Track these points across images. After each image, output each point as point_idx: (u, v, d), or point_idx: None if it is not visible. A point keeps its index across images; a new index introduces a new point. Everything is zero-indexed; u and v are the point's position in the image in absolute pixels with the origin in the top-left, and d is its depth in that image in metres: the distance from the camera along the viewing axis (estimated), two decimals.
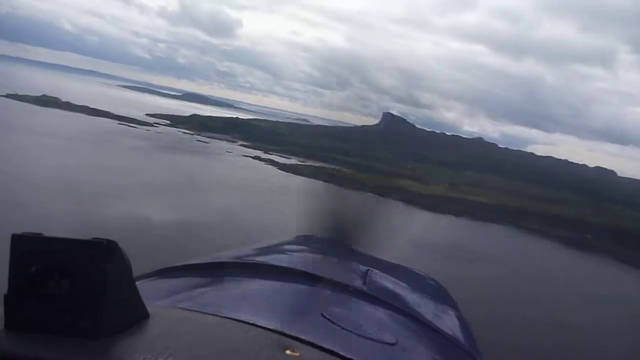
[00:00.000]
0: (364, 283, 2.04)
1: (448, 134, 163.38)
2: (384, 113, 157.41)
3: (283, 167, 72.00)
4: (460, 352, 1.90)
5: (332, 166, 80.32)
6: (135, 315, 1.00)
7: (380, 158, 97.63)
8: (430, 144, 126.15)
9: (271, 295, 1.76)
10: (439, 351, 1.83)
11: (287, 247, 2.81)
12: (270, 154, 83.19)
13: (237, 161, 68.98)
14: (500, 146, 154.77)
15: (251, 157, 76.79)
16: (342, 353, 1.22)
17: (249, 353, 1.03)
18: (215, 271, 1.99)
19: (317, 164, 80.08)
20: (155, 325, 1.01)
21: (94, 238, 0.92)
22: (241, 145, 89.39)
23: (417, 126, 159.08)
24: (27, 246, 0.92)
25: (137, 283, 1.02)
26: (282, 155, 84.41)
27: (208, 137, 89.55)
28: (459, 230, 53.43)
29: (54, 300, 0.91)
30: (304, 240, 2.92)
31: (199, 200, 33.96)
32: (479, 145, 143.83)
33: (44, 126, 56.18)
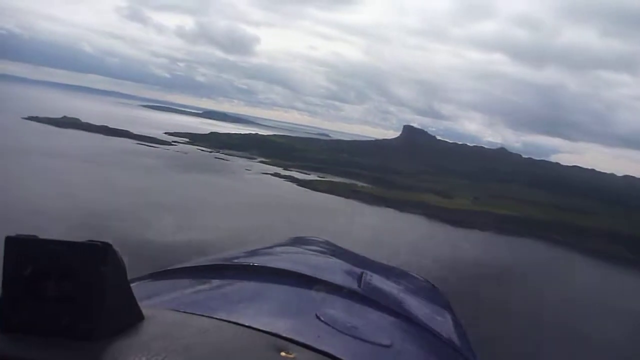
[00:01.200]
0: (359, 285, 2.01)
1: (470, 145, 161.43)
2: (404, 126, 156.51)
3: (303, 183, 70.96)
4: (455, 354, 1.87)
5: (353, 181, 79.37)
6: (130, 318, 1.01)
7: (401, 172, 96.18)
8: (452, 155, 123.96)
9: (266, 297, 1.72)
10: (433, 353, 1.82)
11: (282, 249, 2.74)
12: (290, 170, 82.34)
13: (255, 179, 68.13)
14: (524, 156, 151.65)
15: (270, 174, 75.95)
16: (337, 355, 1.22)
17: (243, 355, 1.05)
18: (210, 273, 1.93)
19: (337, 180, 78.99)
20: (150, 328, 1.02)
21: (89, 240, 0.94)
22: (260, 162, 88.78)
23: (438, 138, 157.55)
24: (21, 248, 0.92)
25: (132, 285, 1.02)
26: (301, 171, 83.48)
27: (227, 155, 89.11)
28: (485, 245, 51.50)
29: (49, 303, 0.91)
30: (299, 242, 2.91)
31: (211, 221, 33.03)
32: (502, 155, 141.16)
33: (59, 147, 56.18)
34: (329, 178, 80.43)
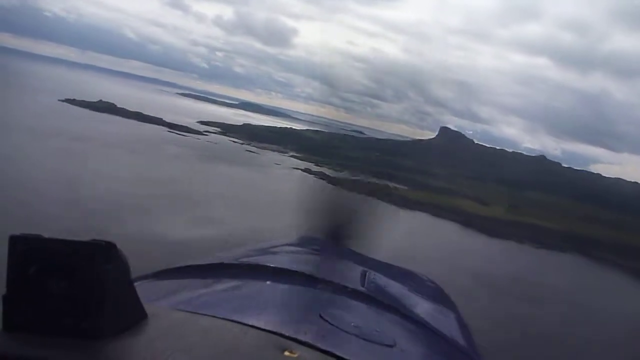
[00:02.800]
0: (363, 284, 2.03)
1: (509, 150, 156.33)
2: (440, 127, 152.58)
3: (332, 181, 68.88)
4: (460, 354, 1.88)
5: (385, 182, 76.91)
6: (133, 317, 1.01)
7: (436, 174, 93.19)
8: (489, 160, 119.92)
9: (270, 296, 1.76)
10: (437, 353, 1.83)
11: (286, 248, 2.74)
12: (321, 167, 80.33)
13: (284, 174, 66.30)
14: (564, 165, 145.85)
15: (301, 169, 74.10)
16: (340, 354, 1.24)
17: (247, 354, 1.06)
18: (213, 272, 1.96)
19: (369, 179, 76.43)
20: (153, 327, 1.02)
21: (93, 239, 0.94)
22: (292, 156, 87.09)
23: (476, 141, 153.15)
24: (25, 247, 0.93)
25: (135, 284, 1.03)
26: (333, 168, 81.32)
27: (258, 147, 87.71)
28: (522, 259, 48.55)
29: (53, 301, 0.91)
30: (303, 241, 2.89)
31: (226, 218, 31.29)
32: (542, 163, 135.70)
33: (87, 131, 55.38)
34: (361, 177, 77.81)
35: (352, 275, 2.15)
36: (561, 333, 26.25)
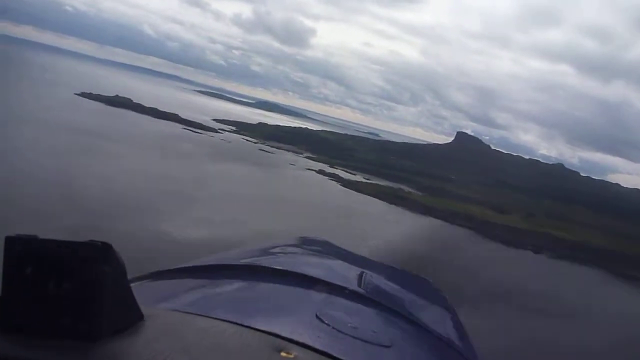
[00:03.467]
0: (360, 285, 2.04)
1: (526, 157, 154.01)
2: (457, 132, 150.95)
3: (347, 184, 67.80)
4: (457, 355, 1.90)
5: (400, 186, 75.77)
6: (130, 318, 1.01)
7: (451, 180, 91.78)
8: (506, 167, 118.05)
9: (266, 297, 1.78)
10: (434, 354, 1.85)
11: (283, 249, 2.74)
12: (336, 168, 79.52)
13: (298, 175, 65.30)
14: (582, 174, 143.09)
15: (315, 170, 73.15)
16: (337, 355, 1.25)
17: (244, 355, 1.06)
18: (210, 273, 1.99)
19: (383, 183, 75.57)
20: (150, 328, 1.03)
21: (89, 240, 0.94)
22: (306, 157, 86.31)
23: (492, 147, 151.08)
24: (21, 248, 0.93)
25: (132, 285, 1.03)
26: (347, 170, 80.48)
27: (273, 147, 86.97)
28: (539, 270, 46.98)
29: (49, 303, 0.91)
30: (300, 242, 2.91)
31: (232, 219, 30.33)
32: (560, 172, 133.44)
33: (98, 125, 55.07)
34: (375, 180, 77.03)
35: (349, 275, 2.12)
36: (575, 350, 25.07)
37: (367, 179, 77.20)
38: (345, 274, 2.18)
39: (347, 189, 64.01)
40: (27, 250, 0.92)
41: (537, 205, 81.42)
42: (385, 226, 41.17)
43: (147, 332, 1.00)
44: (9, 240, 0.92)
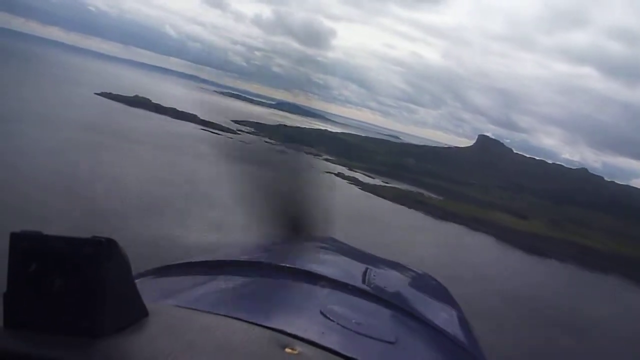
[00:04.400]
0: (364, 281, 2.04)
1: (549, 161, 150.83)
2: (479, 135, 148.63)
3: (366, 187, 66.77)
4: (462, 351, 1.89)
5: (420, 190, 74.49)
6: (134, 314, 1.02)
7: (473, 184, 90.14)
8: (528, 171, 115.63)
9: (270, 293, 1.79)
10: (439, 350, 1.85)
11: (287, 245, 2.75)
12: (355, 172, 78.50)
13: (315, 178, 64.35)
14: (606, 179, 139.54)
15: (334, 173, 72.20)
16: (341, 351, 1.25)
17: (248, 351, 1.06)
18: (214, 269, 1.98)
19: (403, 187, 74.37)
20: (154, 324, 1.03)
21: (93, 236, 0.94)
22: (325, 159, 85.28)
23: (515, 151, 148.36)
24: (26, 244, 0.93)
25: (136, 281, 1.03)
26: (366, 173, 79.39)
27: (291, 149, 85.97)
28: (564, 280, 45.41)
29: (53, 299, 0.92)
30: (304, 238, 2.90)
31: (242, 223, 29.40)
32: (584, 176, 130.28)
33: (114, 124, 54.84)
34: (395, 184, 75.87)
35: (353, 272, 2.12)
36: None
37: (387, 182, 76.08)
38: (350, 270, 2.16)
39: (366, 193, 63.00)
40: (31, 247, 0.93)
41: (561, 211, 79.43)
42: (404, 234, 40.07)
43: (151, 328, 1.01)
44: (14, 237, 0.94)
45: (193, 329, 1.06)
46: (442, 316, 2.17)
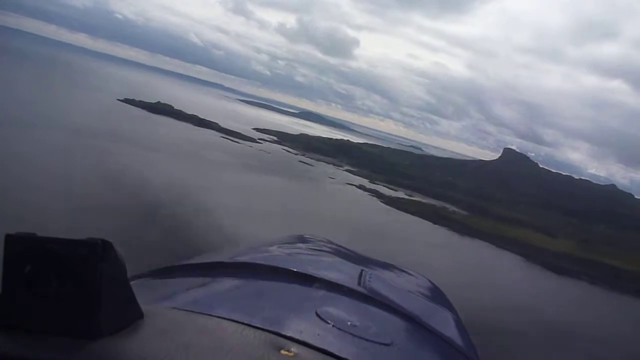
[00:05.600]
0: (359, 283, 2.06)
1: (575, 177, 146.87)
2: (504, 148, 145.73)
3: (388, 201, 64.89)
4: (457, 353, 1.91)
5: (444, 204, 72.44)
6: (129, 316, 1.02)
7: (499, 199, 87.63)
8: (555, 187, 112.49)
9: (266, 295, 1.79)
10: (434, 352, 1.87)
11: (282, 246, 2.74)
12: (377, 184, 76.79)
13: (337, 190, 62.74)
14: (636, 197, 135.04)
15: (355, 185, 70.62)
16: (336, 353, 1.26)
17: (243, 353, 1.06)
18: (209, 271, 2.00)
19: (426, 200, 72.42)
20: (149, 326, 1.03)
21: (89, 238, 0.94)
22: (347, 170, 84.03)
23: (540, 165, 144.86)
24: (20, 246, 0.93)
25: (131, 283, 1.03)
26: (388, 186, 77.60)
27: (313, 159, 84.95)
28: (597, 305, 43.02)
29: (48, 301, 0.92)
30: (299, 240, 2.93)
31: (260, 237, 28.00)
32: (612, 193, 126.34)
33: (135, 131, 54.20)
34: (418, 197, 73.93)
35: (349, 273, 2.14)
36: None
37: (410, 196, 74.20)
38: (345, 271, 2.17)
39: (388, 207, 61.14)
40: (26, 248, 0.93)
41: (590, 230, 76.55)
42: (429, 253, 38.20)
43: (146, 330, 1.01)
44: (9, 238, 0.94)
45: (188, 331, 1.07)
46: (437, 318, 2.14)
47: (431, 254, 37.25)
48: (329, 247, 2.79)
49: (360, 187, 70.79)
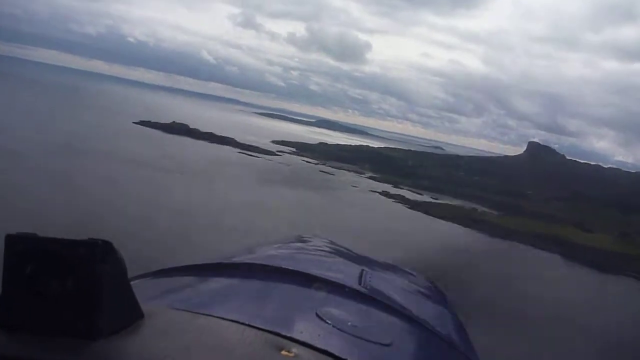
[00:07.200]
0: (360, 283, 2.05)
1: (605, 166, 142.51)
2: (529, 142, 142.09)
3: (414, 205, 62.72)
4: (456, 353, 1.92)
5: (472, 205, 69.89)
6: (130, 316, 1.02)
7: (528, 196, 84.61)
8: (585, 178, 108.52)
9: (266, 295, 1.79)
10: (434, 352, 1.88)
11: (283, 247, 2.76)
12: (401, 188, 74.72)
13: (361, 198, 60.72)
14: None
15: (379, 192, 68.60)
16: (337, 354, 1.27)
17: (244, 354, 1.07)
18: (210, 272, 2.00)
19: (454, 202, 69.95)
20: (150, 326, 1.04)
21: (89, 238, 0.94)
22: (369, 177, 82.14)
23: (568, 157, 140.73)
24: (21, 246, 0.94)
25: (132, 284, 1.04)
26: (413, 190, 75.34)
27: (333, 167, 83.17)
28: None
29: (49, 301, 0.92)
30: (299, 240, 2.96)
31: None
32: None
33: (148, 153, 53.36)
34: (445, 200, 71.51)
35: (349, 273, 2.13)
36: None
37: (436, 199, 71.90)
38: (346, 272, 2.16)
39: (415, 212, 58.95)
40: (27, 249, 0.93)
41: (628, 222, 72.97)
42: (466, 260, 35.92)
43: (147, 330, 1.01)
44: (9, 239, 0.94)
45: (189, 331, 1.08)
46: (437, 318, 2.15)
47: (468, 261, 34.93)
48: (329, 247, 2.72)
49: (384, 193, 68.74)
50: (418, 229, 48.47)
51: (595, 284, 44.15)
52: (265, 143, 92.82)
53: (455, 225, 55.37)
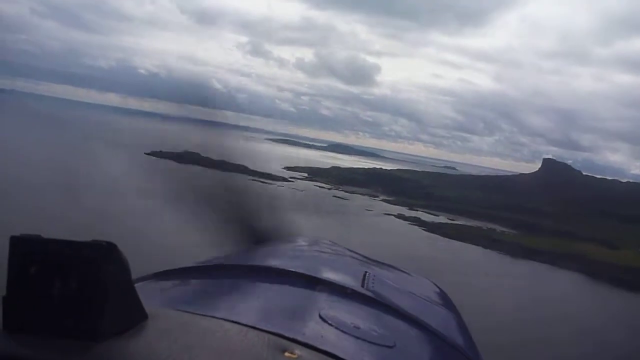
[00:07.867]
0: (363, 285, 2.05)
1: (622, 180, 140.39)
2: (544, 159, 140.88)
3: (431, 227, 61.50)
4: (460, 356, 1.91)
5: (490, 225, 68.52)
6: (133, 317, 1.03)
7: (547, 214, 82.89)
8: (603, 193, 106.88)
9: (269, 297, 1.79)
10: (437, 355, 1.88)
11: (286, 248, 2.73)
12: (416, 210, 73.56)
13: (377, 222, 59.59)
14: None
15: (394, 215, 67.50)
16: (340, 355, 1.27)
17: (247, 355, 1.08)
18: (213, 273, 2.00)
19: (471, 223, 68.59)
20: (154, 328, 1.04)
21: (93, 240, 0.95)
22: (383, 200, 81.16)
23: (584, 173, 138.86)
24: (25, 248, 0.94)
25: (136, 285, 1.04)
26: (428, 211, 74.17)
27: (347, 192, 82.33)
28: None
29: (53, 302, 0.93)
30: (303, 241, 2.93)
31: None
32: None
33: (154, 185, 52.88)
34: (461, 221, 70.18)
35: (352, 275, 2.12)
36: None
37: (452, 220, 70.60)
38: (349, 274, 2.16)
39: (432, 234, 57.68)
40: (31, 250, 0.94)
41: None
42: (489, 284, 34.77)
43: (150, 332, 1.02)
44: (14, 240, 0.94)
45: (192, 333, 1.08)
46: (441, 320, 2.14)
47: (491, 285, 33.72)
48: (332, 249, 2.68)
49: (400, 216, 67.65)
50: (434, 252, 47.15)
51: (624, 304, 42.47)
52: (277, 169, 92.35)
53: (473, 246, 54.04)
